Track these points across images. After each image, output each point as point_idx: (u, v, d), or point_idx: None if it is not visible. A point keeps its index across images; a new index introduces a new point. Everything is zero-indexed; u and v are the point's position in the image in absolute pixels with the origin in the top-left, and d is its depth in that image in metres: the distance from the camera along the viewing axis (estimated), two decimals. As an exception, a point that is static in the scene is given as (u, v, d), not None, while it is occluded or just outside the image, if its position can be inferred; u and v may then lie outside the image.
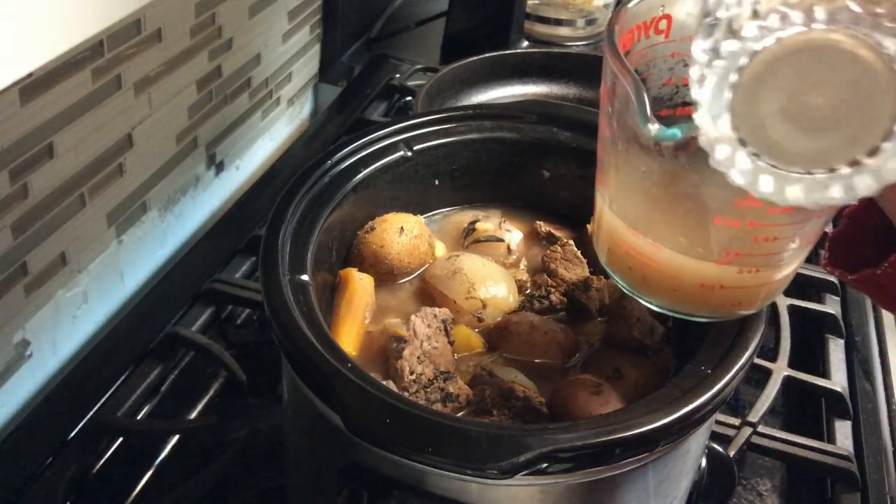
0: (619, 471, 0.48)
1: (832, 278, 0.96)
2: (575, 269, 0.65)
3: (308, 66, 1.24)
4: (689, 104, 0.45)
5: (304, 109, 1.27)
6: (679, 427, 0.47)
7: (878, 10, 0.34)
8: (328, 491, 0.52)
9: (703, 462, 0.65)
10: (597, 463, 0.47)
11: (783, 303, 0.91)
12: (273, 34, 1.10)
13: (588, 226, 0.67)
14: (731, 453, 0.73)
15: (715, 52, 0.36)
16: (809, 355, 0.91)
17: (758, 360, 0.82)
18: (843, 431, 0.81)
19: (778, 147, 0.37)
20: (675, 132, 0.39)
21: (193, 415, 0.77)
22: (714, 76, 0.36)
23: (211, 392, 0.79)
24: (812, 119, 0.36)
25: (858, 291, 0.59)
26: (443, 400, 0.55)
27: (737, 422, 0.76)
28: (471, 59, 1.01)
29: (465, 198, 0.71)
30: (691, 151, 0.41)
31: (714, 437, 0.74)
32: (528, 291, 0.64)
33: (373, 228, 0.64)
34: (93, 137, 0.78)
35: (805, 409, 0.86)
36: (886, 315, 1.00)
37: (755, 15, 0.35)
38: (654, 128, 0.40)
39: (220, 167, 1.05)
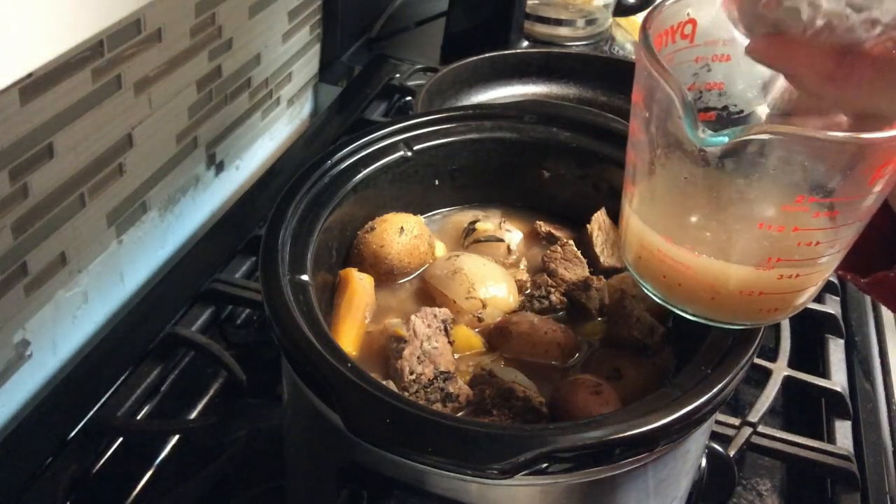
0: (619, 471, 0.48)
1: (832, 278, 0.97)
2: (575, 269, 0.65)
3: (308, 66, 1.24)
4: (711, 109, 0.45)
5: (304, 109, 1.27)
6: (679, 427, 0.47)
7: None
8: (328, 491, 0.52)
9: (703, 462, 0.64)
10: (597, 463, 0.47)
11: (783, 303, 0.91)
12: (273, 34, 1.10)
13: (587, 226, 0.67)
14: (731, 453, 0.72)
15: None
16: (809, 355, 0.91)
17: (758, 360, 0.82)
18: (843, 431, 0.82)
19: None
20: (723, 138, 0.39)
21: (193, 415, 0.77)
22: None
23: (211, 392, 0.79)
24: None
25: (869, 295, 0.59)
26: (443, 400, 0.55)
27: (737, 422, 0.76)
28: (471, 59, 1.01)
29: (465, 198, 0.71)
30: (738, 157, 0.41)
31: (714, 437, 0.74)
32: (528, 291, 0.64)
33: (373, 228, 0.64)
34: (93, 137, 0.78)
35: (805, 409, 0.86)
36: (886, 315, 1.00)
37: None
38: (703, 134, 0.40)
39: (220, 167, 1.05)
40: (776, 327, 0.87)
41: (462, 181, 0.69)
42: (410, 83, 1.22)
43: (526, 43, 1.30)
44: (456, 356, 0.59)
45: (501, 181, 0.70)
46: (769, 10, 0.39)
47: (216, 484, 0.70)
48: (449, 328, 0.59)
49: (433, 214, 0.70)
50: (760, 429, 0.77)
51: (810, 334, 0.93)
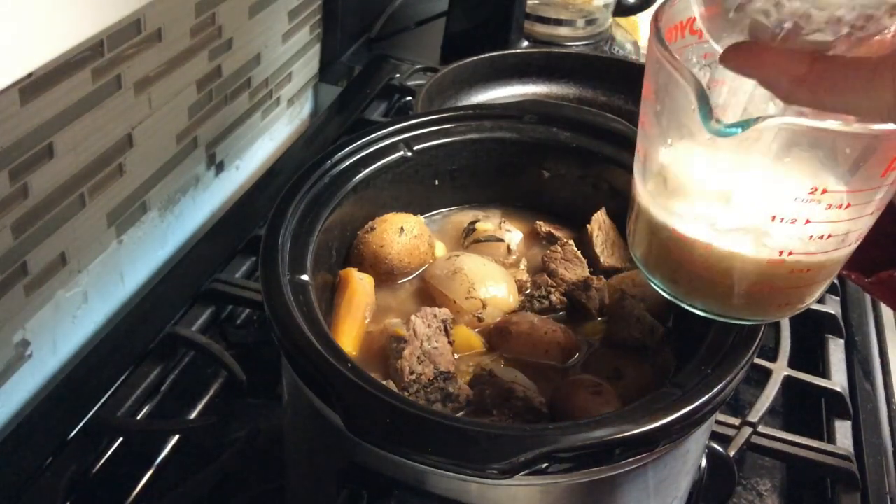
0: (619, 471, 0.48)
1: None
2: (575, 269, 0.65)
3: (308, 66, 1.24)
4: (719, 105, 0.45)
5: (304, 109, 1.27)
6: (679, 427, 0.47)
7: None
8: (328, 491, 0.52)
9: (703, 462, 0.64)
10: (597, 463, 0.47)
11: (783, 303, 0.91)
12: (273, 34, 1.10)
13: (588, 226, 0.67)
14: (731, 453, 0.72)
15: None
16: (809, 355, 0.91)
17: (758, 360, 0.82)
18: (843, 431, 0.82)
19: None
20: (737, 129, 0.39)
21: (193, 415, 0.77)
22: None
23: (211, 392, 0.79)
24: None
25: (873, 295, 0.59)
26: (443, 400, 0.55)
27: (737, 422, 0.76)
28: (471, 59, 1.01)
29: (465, 198, 0.71)
30: (751, 148, 0.41)
31: (714, 437, 0.74)
32: (528, 291, 0.64)
33: (373, 228, 0.64)
34: (93, 137, 0.78)
35: (805, 409, 0.86)
36: (886, 315, 1.00)
37: None
38: (717, 124, 0.40)
39: (220, 167, 1.05)
40: (776, 327, 0.87)
41: (462, 181, 0.69)
42: (410, 83, 1.22)
43: (526, 43, 1.30)
44: (456, 356, 0.59)
45: (501, 181, 0.70)
46: (738, 14, 0.39)
47: (216, 484, 0.70)
48: (449, 328, 0.59)
49: (433, 214, 0.70)
50: (760, 429, 0.77)
51: (810, 334, 0.93)
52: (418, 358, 0.55)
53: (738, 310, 0.49)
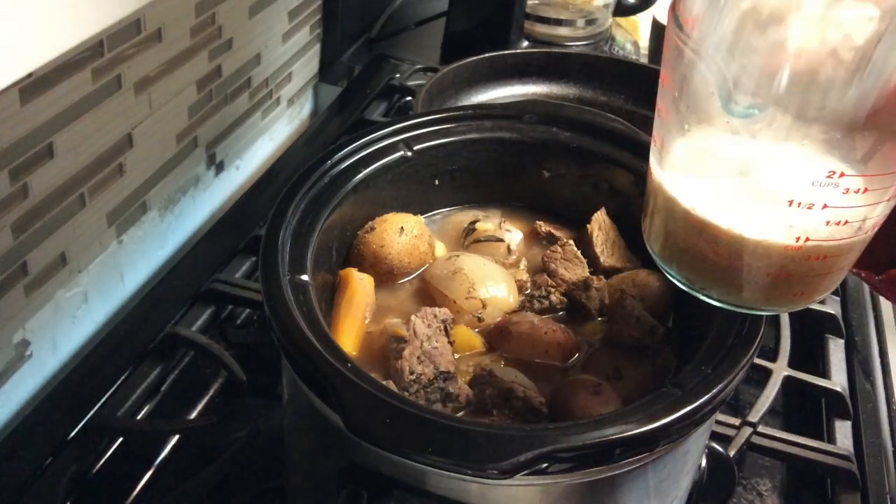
0: (619, 471, 0.48)
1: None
2: (575, 269, 0.65)
3: (308, 66, 1.24)
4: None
5: (304, 109, 1.27)
6: (679, 427, 0.47)
7: None
8: (328, 491, 0.52)
9: (703, 462, 0.65)
10: (597, 463, 0.47)
11: (783, 303, 0.91)
12: (273, 34, 1.10)
13: (588, 226, 0.67)
14: (731, 453, 0.73)
15: None
16: (809, 355, 0.91)
17: (758, 360, 0.82)
18: (843, 431, 0.82)
19: None
20: (755, 110, 0.40)
21: (193, 415, 0.77)
22: None
23: (211, 392, 0.79)
24: None
25: (883, 294, 0.59)
26: (443, 400, 0.55)
27: (737, 422, 0.76)
28: (471, 59, 1.01)
29: (465, 198, 0.71)
30: (769, 131, 0.41)
31: (714, 437, 0.74)
32: (528, 291, 0.64)
33: (373, 228, 0.64)
34: (93, 137, 0.78)
35: (805, 409, 0.86)
36: (886, 315, 1.00)
37: None
38: (736, 106, 0.40)
39: (220, 167, 1.05)
40: (776, 327, 0.87)
41: (462, 181, 0.69)
42: (410, 83, 1.23)
43: (526, 43, 1.30)
44: (456, 356, 0.59)
45: (501, 181, 0.70)
46: None
47: (216, 484, 0.70)
48: (449, 328, 0.59)
49: (433, 214, 0.70)
50: (760, 429, 0.77)
51: (810, 334, 0.93)
52: (418, 358, 0.55)
53: (754, 298, 0.49)
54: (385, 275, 0.63)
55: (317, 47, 1.25)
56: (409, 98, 1.22)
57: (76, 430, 0.73)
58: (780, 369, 0.83)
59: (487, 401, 0.54)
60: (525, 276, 0.65)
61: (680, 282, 0.50)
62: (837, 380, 0.86)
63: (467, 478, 0.45)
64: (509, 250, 0.68)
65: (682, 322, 0.62)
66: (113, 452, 0.72)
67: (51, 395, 0.78)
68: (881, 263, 0.49)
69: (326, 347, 0.49)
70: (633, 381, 0.57)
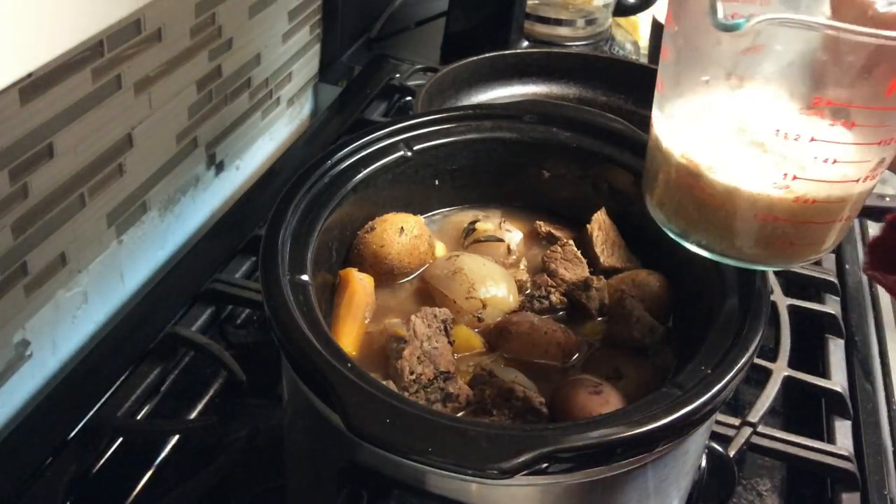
0: (619, 471, 0.48)
1: (832, 278, 0.97)
2: (575, 269, 0.65)
3: (308, 66, 1.24)
4: None
5: (304, 109, 1.27)
6: (679, 427, 0.47)
7: None
8: (328, 491, 0.52)
9: (703, 462, 0.65)
10: (597, 463, 0.47)
11: (783, 303, 0.91)
12: (273, 34, 1.10)
13: (588, 226, 0.67)
14: (731, 453, 0.73)
15: None
16: (809, 355, 0.91)
17: (758, 360, 0.82)
18: (843, 431, 0.81)
19: None
20: (742, 20, 0.40)
21: (193, 415, 0.77)
22: None
23: (211, 392, 0.79)
24: None
25: (894, 294, 0.60)
26: (443, 400, 0.55)
27: (737, 422, 0.76)
28: (471, 59, 1.01)
29: (465, 198, 0.71)
30: (757, 54, 0.42)
31: (714, 437, 0.74)
32: (528, 291, 0.64)
33: (373, 228, 0.64)
34: (93, 137, 0.78)
35: (805, 409, 0.86)
36: (886, 315, 1.00)
37: None
38: (724, 20, 0.40)
39: (220, 167, 1.05)
40: (776, 327, 0.87)
41: (462, 181, 0.69)
42: (410, 83, 1.22)
43: (526, 43, 1.30)
44: (456, 356, 0.59)
45: (501, 181, 0.70)
46: None
47: (216, 484, 0.70)
48: (449, 328, 0.59)
49: (433, 214, 0.70)
50: (760, 429, 0.77)
51: (810, 334, 0.93)
52: (418, 358, 0.55)
53: (744, 249, 0.49)
54: (385, 275, 0.63)
55: (317, 47, 1.25)
56: (409, 98, 1.22)
57: (76, 430, 0.73)
58: (780, 369, 0.83)
59: (487, 401, 0.54)
60: (525, 276, 0.65)
61: (671, 232, 0.51)
62: (837, 380, 0.86)
63: (467, 478, 0.45)
64: (509, 250, 0.68)
65: (682, 322, 0.62)
66: (113, 452, 0.72)
67: (51, 395, 0.77)
68: (893, 264, 0.49)
69: (326, 347, 0.49)
70: (633, 381, 0.57)
